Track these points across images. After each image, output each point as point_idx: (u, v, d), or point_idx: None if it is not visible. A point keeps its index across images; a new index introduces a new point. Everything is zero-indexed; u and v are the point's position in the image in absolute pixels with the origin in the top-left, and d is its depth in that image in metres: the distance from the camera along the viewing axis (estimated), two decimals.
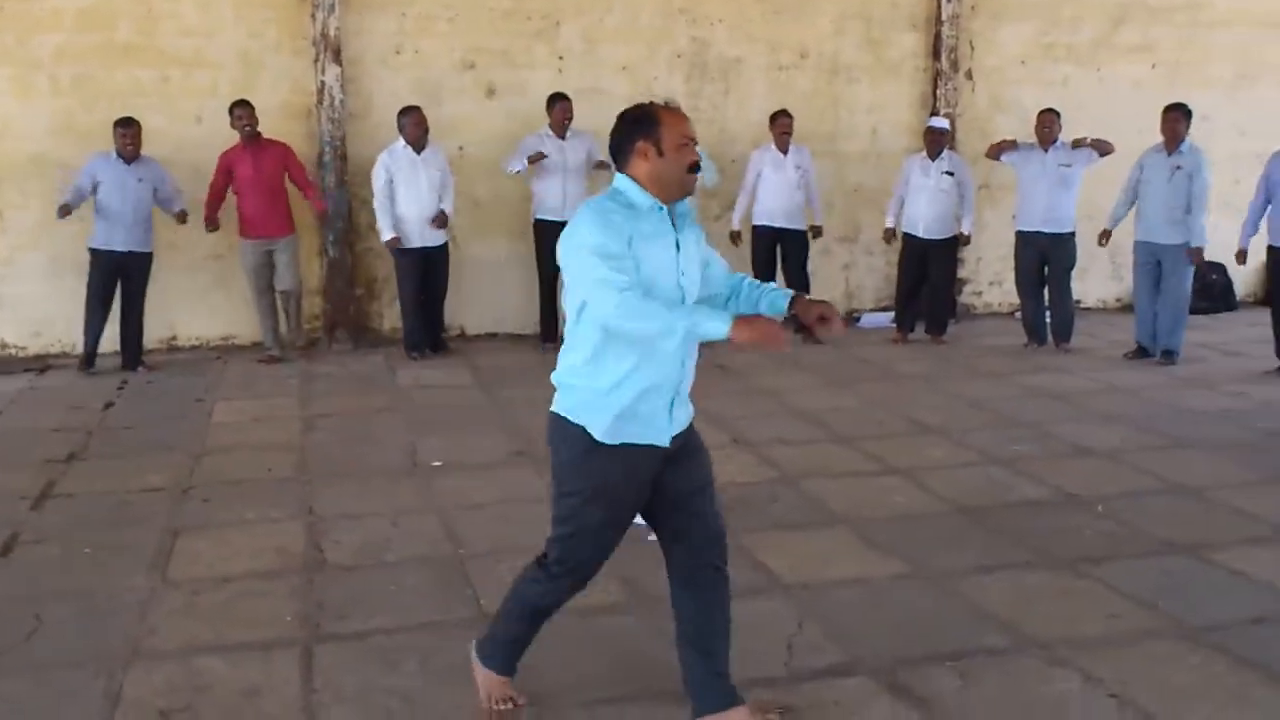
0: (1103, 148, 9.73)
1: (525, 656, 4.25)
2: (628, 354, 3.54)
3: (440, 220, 9.55)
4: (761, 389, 8.68)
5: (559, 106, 9.80)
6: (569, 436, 3.64)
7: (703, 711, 3.74)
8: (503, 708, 3.92)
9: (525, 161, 9.63)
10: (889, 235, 10.52)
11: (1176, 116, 9.40)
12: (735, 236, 10.41)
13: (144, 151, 9.15)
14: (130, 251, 9.12)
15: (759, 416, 7.83)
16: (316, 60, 9.89)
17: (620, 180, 3.60)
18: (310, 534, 5.61)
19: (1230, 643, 4.33)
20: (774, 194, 10.23)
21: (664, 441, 3.65)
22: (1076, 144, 9.80)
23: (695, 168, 3.57)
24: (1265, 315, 9.81)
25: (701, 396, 8.39)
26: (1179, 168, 9.33)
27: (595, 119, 10.45)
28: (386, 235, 9.49)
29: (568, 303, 3.66)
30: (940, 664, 4.20)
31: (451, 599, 4.84)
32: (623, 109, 3.68)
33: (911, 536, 5.53)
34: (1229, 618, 4.56)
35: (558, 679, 4.11)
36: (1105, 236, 9.89)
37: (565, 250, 3.59)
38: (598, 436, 3.58)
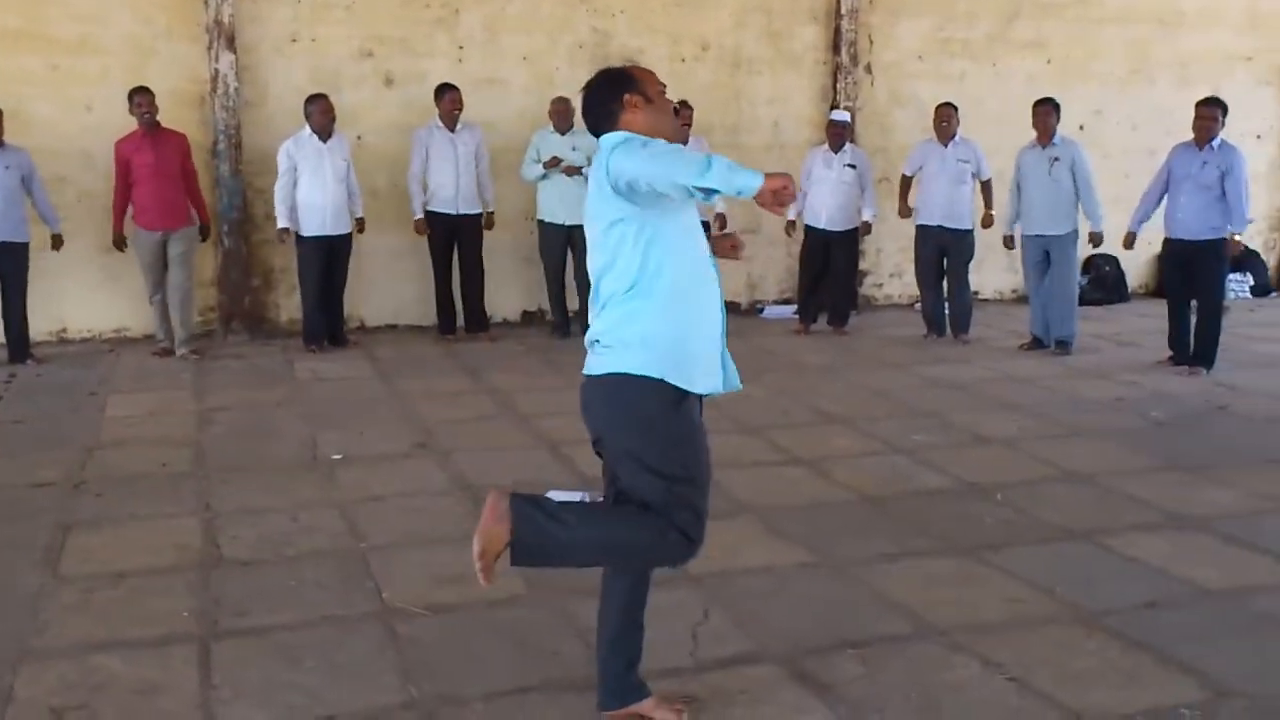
0: None
1: (422, 651, 4.21)
2: (673, 298, 3.43)
3: (359, 227, 9.50)
4: None
5: (447, 97, 9.72)
6: (647, 391, 3.44)
7: (609, 706, 3.73)
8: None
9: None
10: (790, 228, 10.59)
11: (1047, 110, 9.63)
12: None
13: (33, 141, 8.88)
14: (4, 242, 8.84)
15: None
16: (210, 47, 9.68)
17: (625, 134, 3.44)
18: (207, 530, 5.48)
19: (1124, 626, 4.42)
20: None
21: (720, 388, 3.60)
22: None
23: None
24: (1156, 306, 10.07)
25: None
26: (1056, 159, 9.53)
27: (495, 110, 10.43)
28: (281, 223, 9.34)
29: (598, 264, 3.48)
30: (844, 651, 4.22)
31: (353, 593, 4.76)
32: (594, 78, 3.59)
33: (817, 525, 5.56)
34: (1123, 602, 4.65)
35: (458, 672, 4.06)
36: (1009, 241, 10.07)
37: (619, 158, 3.32)
38: (679, 384, 3.46)
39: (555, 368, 9.10)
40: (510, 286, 10.81)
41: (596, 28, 10.76)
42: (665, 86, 3.58)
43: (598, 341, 3.50)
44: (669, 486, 3.51)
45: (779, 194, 3.11)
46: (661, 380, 3.43)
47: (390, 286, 10.45)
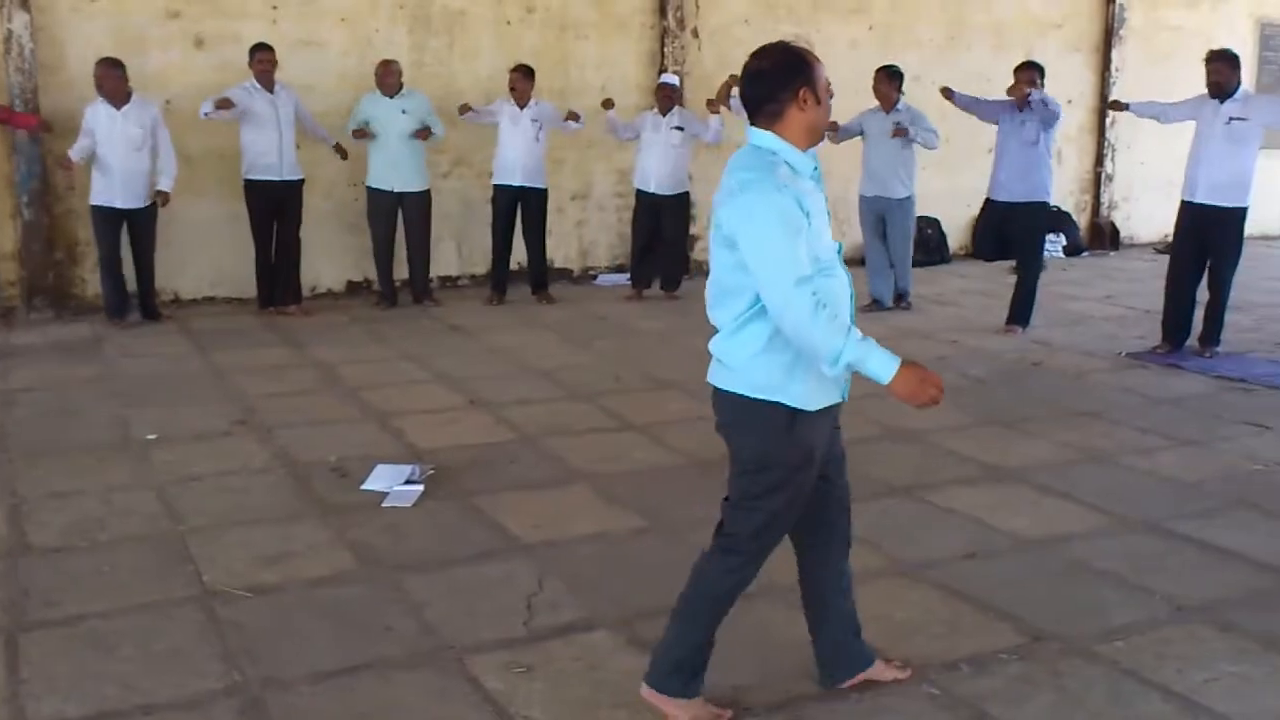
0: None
1: (246, 634, 4.09)
2: None
3: (164, 200, 9.09)
4: (498, 348, 8.59)
5: (258, 57, 9.35)
6: (761, 416, 3.32)
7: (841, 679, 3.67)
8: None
9: (212, 105, 9.17)
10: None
11: (883, 77, 9.81)
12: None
13: None
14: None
15: (496, 377, 7.74)
16: (3, 7, 9.15)
17: (765, 138, 3.25)
18: (12, 516, 5.20)
19: (946, 577, 4.53)
20: (513, 151, 10.07)
21: (844, 395, 3.46)
22: None
23: None
24: (976, 267, 10.35)
25: (435, 357, 8.34)
26: (898, 124, 9.72)
27: (311, 73, 10.14)
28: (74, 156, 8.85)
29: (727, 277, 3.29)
30: None
31: (171, 577, 4.58)
32: (758, 51, 3.28)
33: (650, 491, 5.57)
34: (945, 554, 4.77)
35: (284, 654, 3.94)
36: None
37: (737, 221, 3.19)
38: (797, 406, 3.31)
39: (381, 339, 8.92)
40: (334, 255, 10.54)
41: None
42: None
43: (720, 345, 3.44)
44: (750, 505, 3.56)
45: (914, 396, 3.19)
46: (777, 403, 3.36)
47: (208, 257, 10.06)
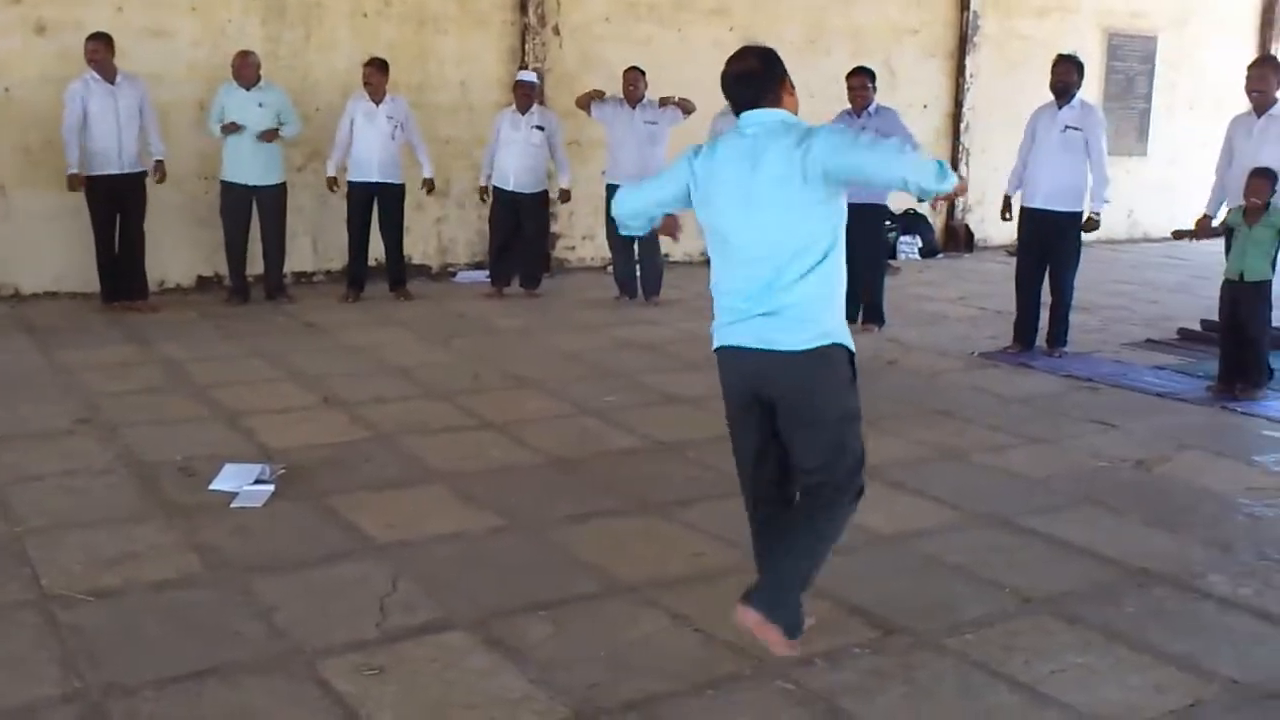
0: (686, 106, 10.05)
1: (87, 639, 3.95)
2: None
3: None
4: (353, 346, 8.44)
5: (89, 46, 8.96)
6: (843, 362, 3.78)
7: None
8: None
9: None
10: (484, 192, 10.48)
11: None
12: (332, 183, 10.03)
13: None
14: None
15: (351, 375, 7.60)
16: None
17: (786, 115, 3.71)
18: None
19: None
20: (368, 146, 9.90)
21: None
22: (663, 102, 10.08)
23: None
24: None
25: (288, 354, 8.15)
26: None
27: (162, 63, 9.84)
28: None
29: (796, 232, 3.66)
30: (534, 613, 4.18)
31: (7, 581, 4.37)
32: (742, 53, 3.83)
33: (508, 489, 5.51)
34: None
35: (127, 659, 3.79)
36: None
37: (829, 149, 3.59)
38: (854, 350, 3.84)
39: (231, 335, 8.69)
40: (183, 249, 10.25)
41: None
42: None
43: (786, 308, 3.64)
44: (856, 447, 3.90)
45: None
46: (847, 348, 3.81)
47: (49, 251, 9.69)
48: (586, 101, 10.18)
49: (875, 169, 3.64)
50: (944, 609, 4.29)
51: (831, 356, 3.69)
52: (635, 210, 4.07)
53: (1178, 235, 8.41)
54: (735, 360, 3.78)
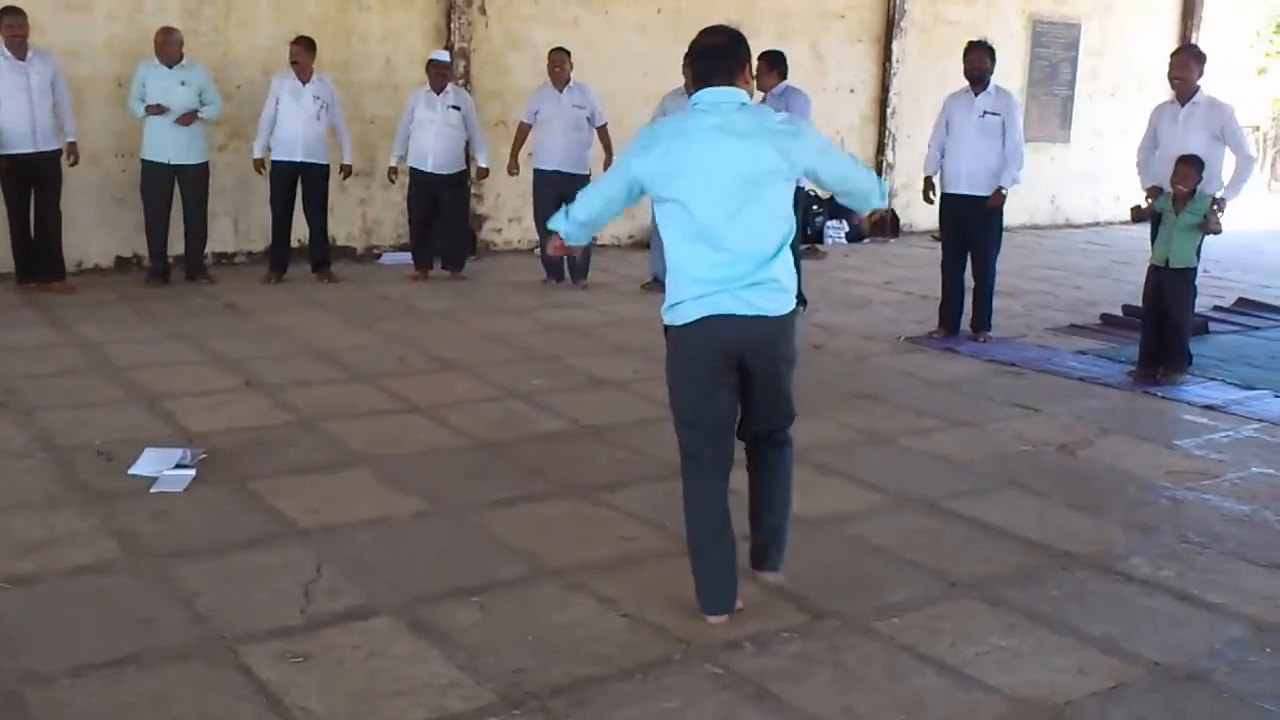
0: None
1: (2, 626, 3.86)
2: None
3: None
4: (276, 328, 8.31)
5: (6, 21, 8.73)
6: (795, 319, 4.07)
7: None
8: None
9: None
10: (393, 172, 10.32)
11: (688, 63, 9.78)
12: (259, 165, 9.86)
13: None
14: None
15: (274, 358, 7.48)
16: None
17: (744, 96, 3.90)
18: None
19: None
20: (292, 125, 9.74)
21: None
22: None
23: None
24: None
25: (209, 337, 8.00)
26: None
27: (79, 38, 9.62)
28: None
29: (764, 210, 3.89)
30: (461, 598, 4.14)
31: None
32: (731, 33, 3.98)
33: (433, 473, 5.45)
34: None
35: (44, 647, 3.69)
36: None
37: (809, 148, 3.97)
38: None
39: (151, 317, 8.52)
40: (101, 229, 10.03)
41: None
42: None
43: (775, 279, 3.89)
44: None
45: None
46: None
47: None
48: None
49: (851, 181, 4.15)
50: (871, 592, 4.31)
51: (794, 317, 4.03)
52: (592, 215, 4.16)
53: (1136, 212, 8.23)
54: (721, 328, 3.88)
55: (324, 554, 4.50)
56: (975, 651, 3.87)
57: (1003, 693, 3.62)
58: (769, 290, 3.89)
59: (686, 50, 4.02)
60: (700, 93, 3.89)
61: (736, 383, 4.02)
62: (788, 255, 3.95)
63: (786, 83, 9.40)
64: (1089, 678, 3.74)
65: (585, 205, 4.15)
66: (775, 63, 9.39)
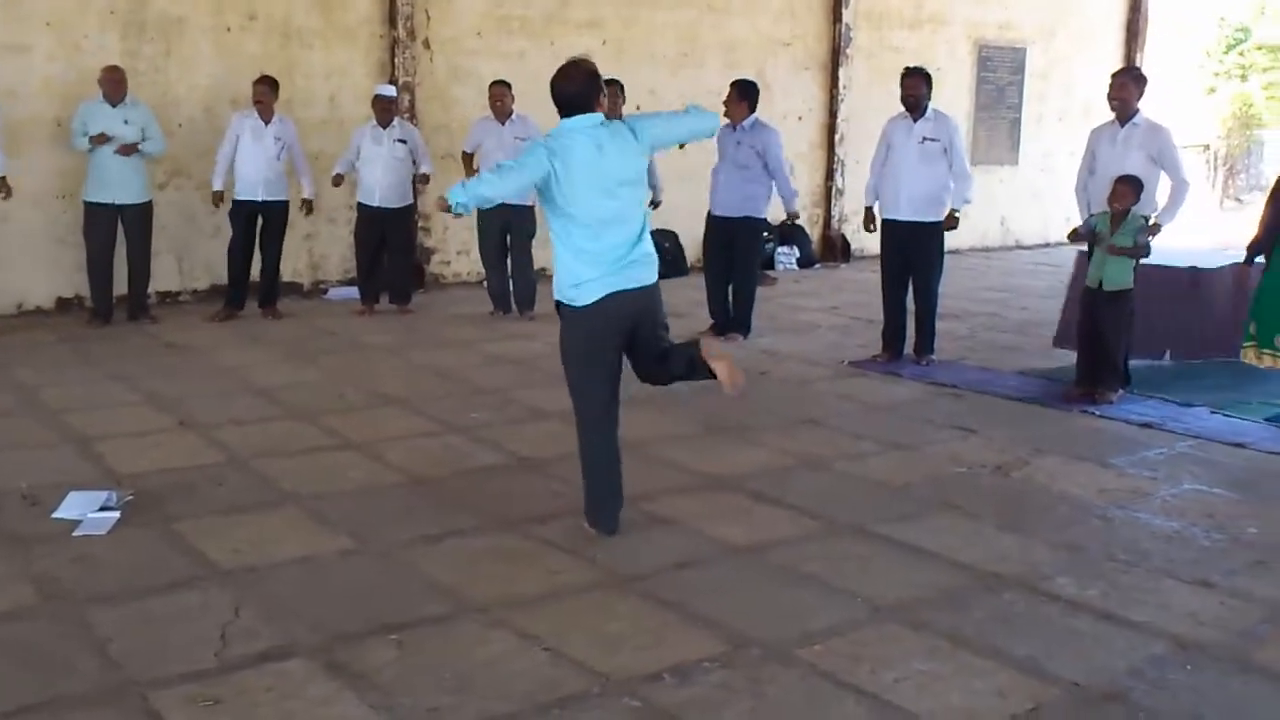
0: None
1: None
2: None
3: None
4: (216, 367, 8.25)
5: None
6: None
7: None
8: None
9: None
10: (218, 198, 9.89)
11: (614, 91, 9.80)
12: (218, 198, 9.79)
13: None
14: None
15: (211, 396, 7.42)
16: None
17: (601, 116, 4.87)
18: None
19: (656, 588, 4.53)
20: (253, 164, 9.71)
21: None
22: None
23: None
24: None
25: (147, 377, 7.94)
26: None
27: (17, 79, 9.57)
28: None
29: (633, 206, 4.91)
30: (381, 637, 4.10)
31: None
32: (589, 66, 4.87)
33: (363, 511, 5.40)
34: (657, 564, 4.77)
35: None
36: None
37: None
38: None
39: (90, 358, 8.44)
40: (42, 270, 9.95)
41: None
42: None
43: (648, 254, 4.91)
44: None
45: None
46: None
47: None
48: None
49: (676, 127, 5.13)
50: (795, 619, 4.29)
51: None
52: (506, 192, 4.97)
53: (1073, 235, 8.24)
54: (617, 302, 4.80)
55: (244, 595, 4.44)
56: (895, 677, 3.86)
57: (919, 718, 3.60)
58: (645, 265, 4.88)
59: (554, 86, 4.84)
60: (574, 119, 4.83)
61: (622, 348, 4.94)
62: (648, 232, 4.94)
63: (755, 116, 9.46)
64: (1008, 700, 3.73)
65: (498, 188, 4.87)
66: (746, 93, 9.48)
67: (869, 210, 9.05)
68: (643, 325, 4.93)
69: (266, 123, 9.72)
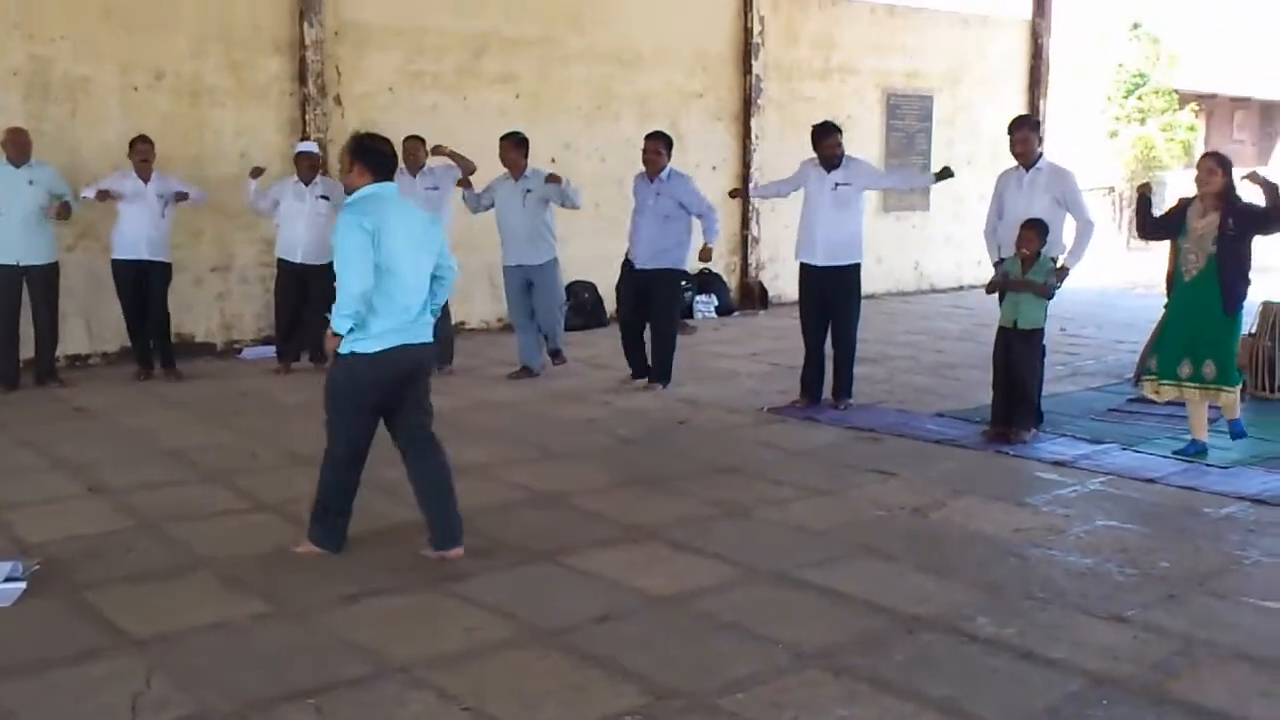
0: (463, 164, 9.93)
1: None
2: None
3: None
4: (126, 430, 8.09)
5: None
6: None
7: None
8: None
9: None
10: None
11: (509, 145, 9.80)
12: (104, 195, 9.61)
13: None
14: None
15: (121, 460, 7.27)
16: None
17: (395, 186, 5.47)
18: None
19: (578, 642, 4.49)
20: (135, 224, 9.59)
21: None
22: (435, 150, 9.98)
23: None
24: None
25: (56, 442, 7.75)
26: (529, 191, 9.77)
27: None
28: None
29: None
30: (297, 701, 4.02)
31: None
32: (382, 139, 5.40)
33: (279, 574, 5.30)
34: (578, 618, 4.73)
35: None
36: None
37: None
38: None
39: None
40: None
41: (35, 54, 9.91)
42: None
43: (426, 318, 5.48)
44: None
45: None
46: None
47: None
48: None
49: None
50: (717, 668, 4.27)
51: None
52: (365, 278, 5.18)
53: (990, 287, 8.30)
54: (400, 355, 5.33)
55: (156, 664, 4.34)
56: None
57: None
58: (424, 324, 5.45)
59: (366, 151, 5.29)
60: (383, 185, 5.32)
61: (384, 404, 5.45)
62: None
63: (671, 166, 9.55)
64: None
65: (355, 284, 5.17)
66: (669, 145, 9.57)
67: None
68: (417, 380, 5.56)
69: (146, 180, 9.62)
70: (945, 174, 8.85)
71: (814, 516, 6.18)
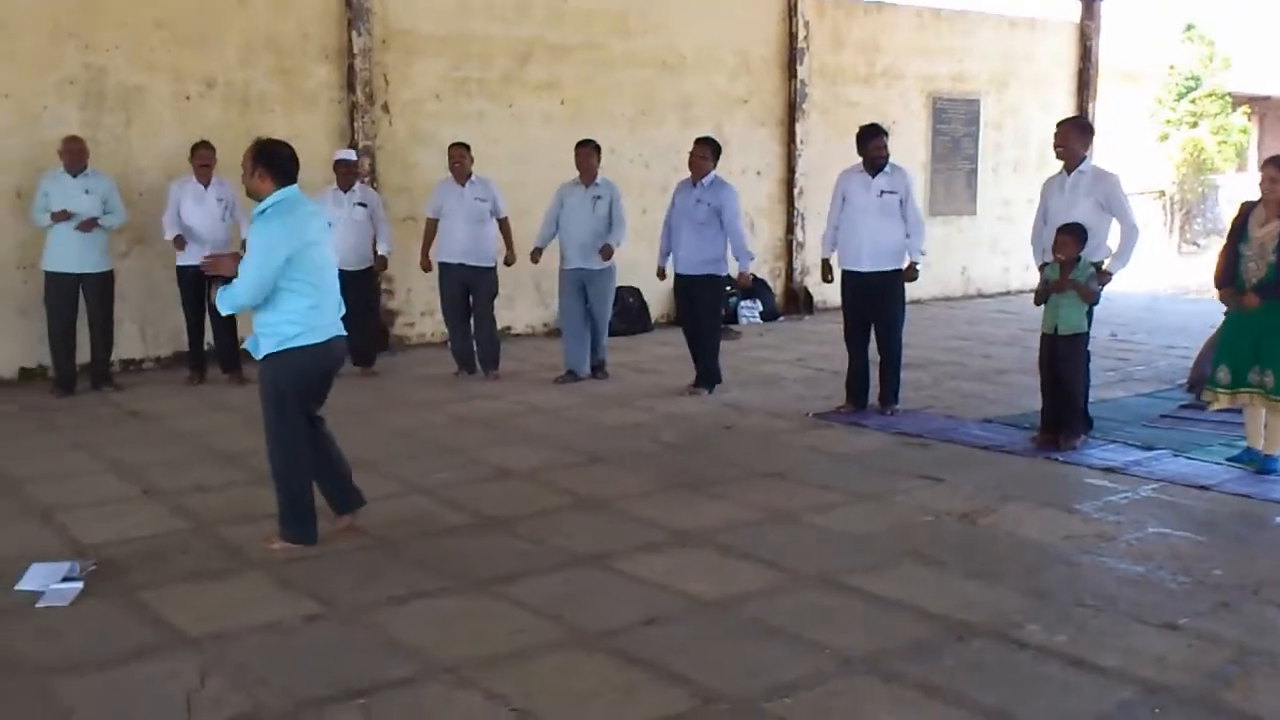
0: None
1: None
2: None
3: None
4: (181, 433, 8.20)
5: None
6: None
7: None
8: None
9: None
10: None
11: (589, 151, 9.91)
12: (179, 242, 9.75)
13: None
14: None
15: (175, 463, 7.37)
16: None
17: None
18: None
19: (624, 645, 4.52)
20: (197, 229, 9.72)
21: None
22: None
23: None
24: (676, 334, 10.58)
25: (110, 445, 7.88)
26: (598, 198, 9.85)
27: None
28: None
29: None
30: (346, 701, 4.07)
31: None
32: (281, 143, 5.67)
33: (329, 575, 5.37)
34: (624, 621, 4.76)
35: None
36: (536, 255, 10.17)
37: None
38: None
39: (52, 428, 8.38)
40: (5, 341, 9.91)
41: (89, 63, 10.06)
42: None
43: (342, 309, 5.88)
44: None
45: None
46: None
47: None
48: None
49: None
50: (764, 673, 4.28)
51: None
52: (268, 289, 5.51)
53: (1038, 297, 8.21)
54: (335, 344, 5.76)
55: (210, 663, 4.40)
56: None
57: None
58: (338, 315, 5.80)
59: (271, 156, 5.55)
60: (291, 188, 5.58)
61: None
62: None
63: (715, 173, 9.55)
64: None
65: (263, 289, 5.49)
66: (716, 151, 9.58)
67: (825, 262, 9.13)
68: (334, 368, 5.94)
69: (206, 185, 9.77)
70: (911, 275, 8.78)
71: (861, 522, 6.17)
